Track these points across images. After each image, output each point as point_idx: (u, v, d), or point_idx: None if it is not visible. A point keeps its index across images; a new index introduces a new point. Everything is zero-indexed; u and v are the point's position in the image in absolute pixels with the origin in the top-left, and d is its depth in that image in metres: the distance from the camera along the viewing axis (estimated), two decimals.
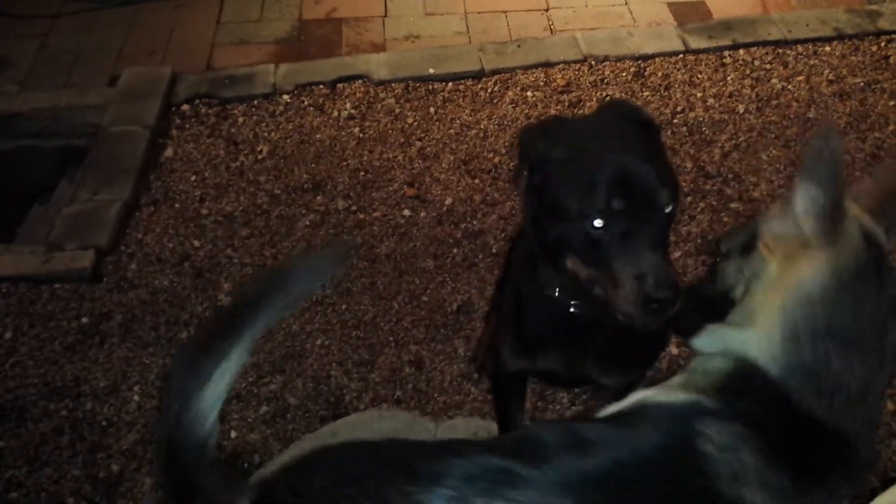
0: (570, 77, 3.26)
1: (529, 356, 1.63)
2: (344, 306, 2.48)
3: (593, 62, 3.32)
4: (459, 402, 2.24)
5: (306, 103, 3.20)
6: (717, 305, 1.23)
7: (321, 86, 3.26)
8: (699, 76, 3.27)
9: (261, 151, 3.01)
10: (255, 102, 3.21)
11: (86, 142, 3.08)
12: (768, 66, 3.30)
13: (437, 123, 3.09)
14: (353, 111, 3.16)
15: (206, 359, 1.07)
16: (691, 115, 3.08)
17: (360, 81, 3.27)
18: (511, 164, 2.83)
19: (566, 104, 3.13)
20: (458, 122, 3.09)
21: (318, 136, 3.06)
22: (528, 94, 3.19)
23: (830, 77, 3.23)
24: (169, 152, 3.02)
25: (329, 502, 1.00)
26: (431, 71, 3.29)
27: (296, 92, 3.24)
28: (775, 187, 2.79)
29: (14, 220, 3.05)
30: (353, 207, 2.79)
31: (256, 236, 2.71)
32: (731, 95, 3.17)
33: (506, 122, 3.08)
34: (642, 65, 3.32)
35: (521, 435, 1.23)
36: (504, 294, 1.82)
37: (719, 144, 2.96)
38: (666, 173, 1.33)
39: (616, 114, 1.44)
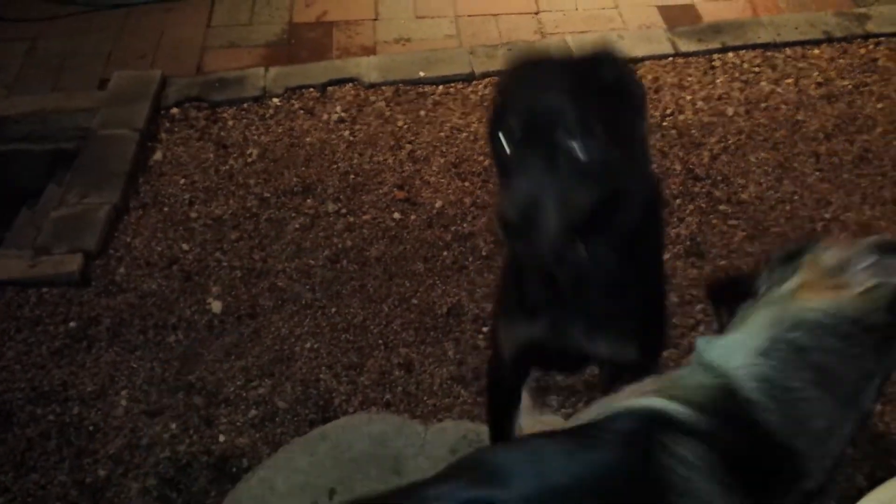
0: None
1: (521, 324, 1.62)
2: (333, 309, 2.48)
3: None
4: (449, 405, 2.23)
5: (296, 106, 3.20)
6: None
7: (311, 89, 3.25)
8: (688, 79, 3.27)
9: (250, 155, 3.01)
10: (245, 106, 3.21)
11: (75, 145, 3.07)
12: (757, 69, 3.31)
13: (428, 126, 3.09)
14: (343, 114, 3.15)
15: None
16: (680, 117, 3.09)
17: (350, 84, 3.27)
18: None
19: None
20: (448, 125, 3.09)
21: (308, 139, 3.06)
22: None
23: (819, 80, 3.24)
24: (158, 156, 3.02)
25: None
26: (422, 74, 3.29)
27: (286, 95, 3.24)
28: (764, 189, 2.80)
29: (2, 224, 3.03)
30: (343, 210, 2.79)
31: (245, 240, 2.71)
32: (720, 98, 3.18)
33: None
34: (632, 67, 3.32)
35: (480, 458, 1.24)
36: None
37: (708, 147, 2.97)
38: (590, 120, 1.29)
39: (592, 62, 1.40)
